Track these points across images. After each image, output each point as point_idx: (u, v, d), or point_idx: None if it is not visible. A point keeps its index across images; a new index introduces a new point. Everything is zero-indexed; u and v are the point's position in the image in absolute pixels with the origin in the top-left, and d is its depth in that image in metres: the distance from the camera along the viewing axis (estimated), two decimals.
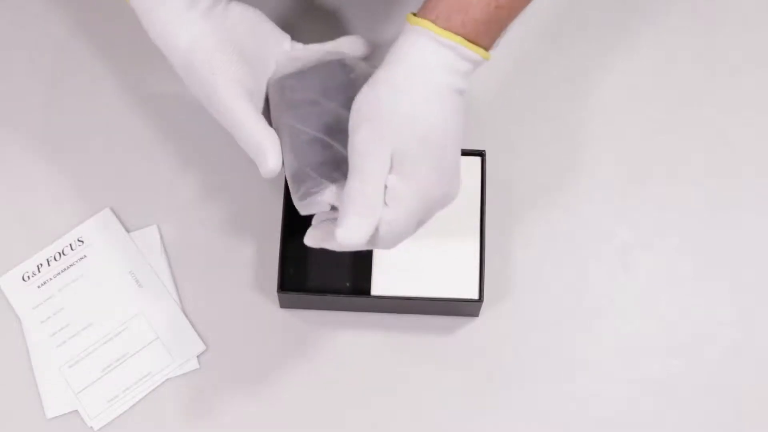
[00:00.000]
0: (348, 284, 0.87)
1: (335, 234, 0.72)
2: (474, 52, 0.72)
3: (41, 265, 0.89)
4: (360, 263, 0.87)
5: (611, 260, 0.90)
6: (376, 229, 0.72)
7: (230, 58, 0.77)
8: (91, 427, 0.85)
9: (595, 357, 0.87)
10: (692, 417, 0.86)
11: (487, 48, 0.73)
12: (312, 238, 0.77)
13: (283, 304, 0.87)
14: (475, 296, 0.84)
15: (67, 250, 0.89)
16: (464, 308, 0.86)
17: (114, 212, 0.90)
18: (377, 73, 0.73)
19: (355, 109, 0.73)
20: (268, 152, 0.76)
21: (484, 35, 0.73)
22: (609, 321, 0.88)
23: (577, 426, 0.86)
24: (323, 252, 0.87)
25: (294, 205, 0.86)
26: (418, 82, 0.72)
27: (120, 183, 0.91)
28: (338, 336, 0.87)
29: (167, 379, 0.86)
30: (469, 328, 0.88)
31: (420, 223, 0.74)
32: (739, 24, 0.96)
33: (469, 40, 0.72)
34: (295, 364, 0.87)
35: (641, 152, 0.92)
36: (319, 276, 0.88)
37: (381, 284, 0.84)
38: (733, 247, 0.90)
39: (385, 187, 0.72)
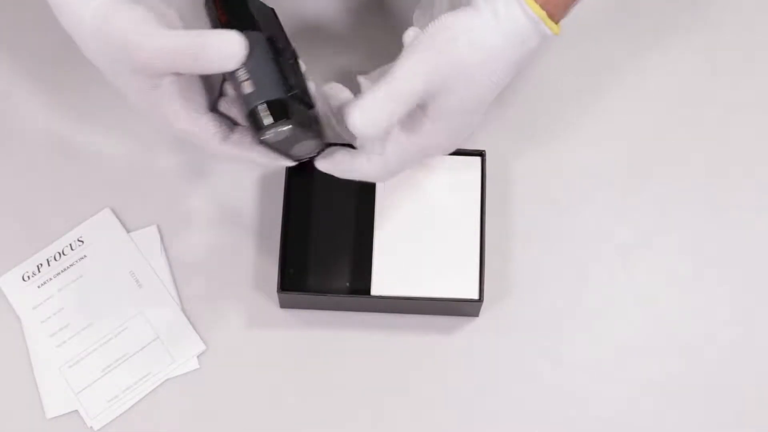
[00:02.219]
0: (348, 284, 0.87)
1: (350, 116, 0.70)
2: (550, 30, 0.71)
3: (41, 265, 0.89)
4: (360, 263, 0.87)
5: (611, 260, 0.90)
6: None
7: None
8: (91, 427, 0.85)
9: (595, 357, 0.87)
10: (692, 417, 0.86)
11: (557, 22, 0.73)
12: (325, 162, 0.77)
13: (283, 304, 0.87)
14: (475, 296, 0.84)
15: (67, 250, 0.89)
16: (464, 308, 0.86)
17: (114, 212, 0.90)
18: (457, 13, 0.71)
19: (428, 31, 0.71)
20: (228, 36, 0.67)
21: (562, 10, 0.73)
22: (609, 321, 0.88)
23: (577, 426, 0.86)
24: (323, 252, 0.87)
25: (293, 205, 0.86)
26: (498, 45, 0.71)
27: (120, 183, 0.91)
28: (338, 336, 0.87)
29: (167, 379, 0.86)
30: (469, 328, 0.88)
31: (408, 161, 0.76)
32: (740, 24, 0.96)
33: (549, 15, 0.71)
34: (295, 364, 0.87)
35: (641, 152, 0.92)
36: (319, 276, 0.88)
37: (381, 284, 0.84)
38: (734, 247, 0.90)
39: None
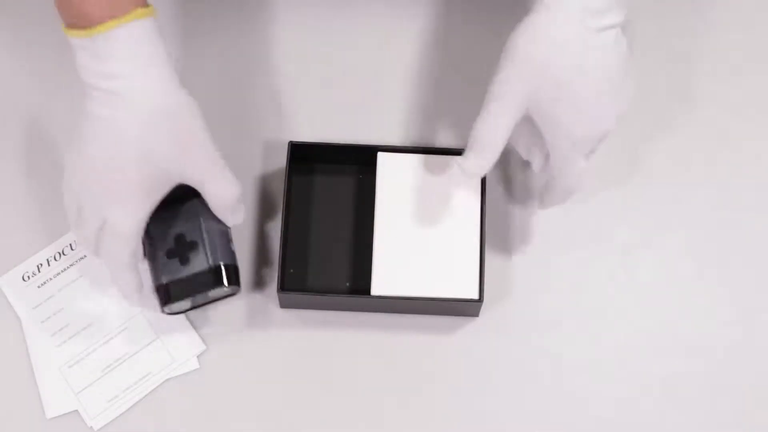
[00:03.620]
0: (348, 284, 0.87)
1: (458, 164, 0.80)
2: None
3: (41, 265, 0.89)
4: (360, 263, 0.87)
5: (611, 260, 0.90)
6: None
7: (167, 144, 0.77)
8: (91, 427, 0.85)
9: (595, 357, 0.87)
10: (692, 417, 0.86)
11: None
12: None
13: (283, 304, 0.87)
14: (475, 296, 0.84)
15: (67, 250, 0.89)
16: (464, 308, 0.86)
17: None
18: (522, 21, 0.77)
19: (503, 50, 0.77)
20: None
21: None
22: (609, 321, 0.88)
23: (577, 426, 0.86)
24: (323, 252, 0.87)
25: (293, 205, 0.86)
26: (553, 28, 0.75)
27: None
28: (338, 336, 0.87)
29: (167, 379, 0.86)
30: (469, 328, 0.88)
31: (577, 156, 0.79)
32: (740, 24, 0.96)
33: None
34: (295, 364, 0.87)
35: (641, 152, 0.92)
36: (319, 276, 0.88)
37: (381, 284, 0.84)
38: (734, 247, 0.90)
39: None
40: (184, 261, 0.82)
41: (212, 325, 0.87)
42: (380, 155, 0.87)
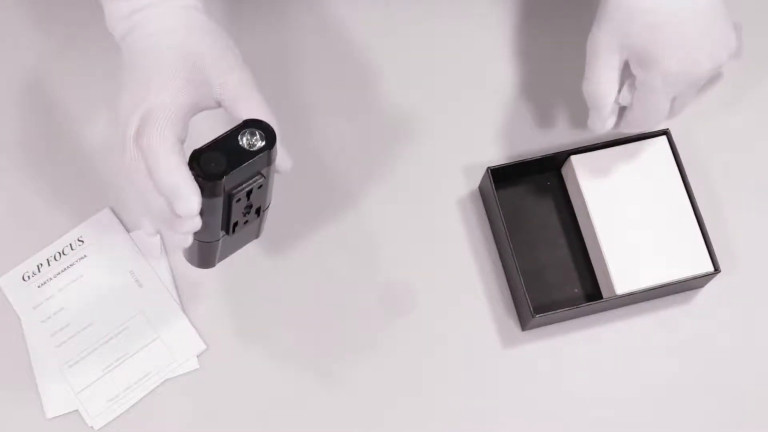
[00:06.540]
0: (576, 291, 0.88)
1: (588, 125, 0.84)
2: None
3: (41, 265, 0.89)
4: (580, 267, 0.89)
5: None
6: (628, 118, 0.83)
7: (187, 66, 0.71)
8: (91, 427, 0.85)
9: (595, 357, 0.87)
10: (692, 417, 0.86)
11: None
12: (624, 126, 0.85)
13: (530, 327, 0.87)
14: (711, 269, 0.85)
15: (67, 250, 0.89)
16: (698, 284, 0.87)
17: (114, 212, 0.90)
18: None
19: (597, 9, 0.80)
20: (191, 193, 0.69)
21: None
22: (608, 321, 0.88)
23: (577, 426, 0.86)
24: (549, 266, 0.88)
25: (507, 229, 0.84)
26: None
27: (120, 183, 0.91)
28: (336, 335, 0.87)
29: (167, 379, 0.86)
30: (470, 328, 0.88)
31: (678, 102, 0.81)
32: (740, 24, 0.96)
33: None
34: (295, 364, 0.87)
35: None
36: (552, 290, 0.88)
37: (622, 282, 0.85)
38: (733, 246, 0.90)
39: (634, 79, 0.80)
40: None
41: (212, 325, 0.87)
42: (574, 158, 0.87)
